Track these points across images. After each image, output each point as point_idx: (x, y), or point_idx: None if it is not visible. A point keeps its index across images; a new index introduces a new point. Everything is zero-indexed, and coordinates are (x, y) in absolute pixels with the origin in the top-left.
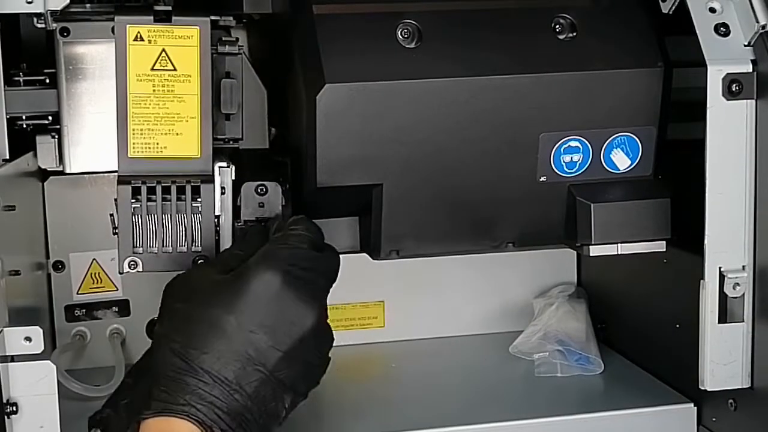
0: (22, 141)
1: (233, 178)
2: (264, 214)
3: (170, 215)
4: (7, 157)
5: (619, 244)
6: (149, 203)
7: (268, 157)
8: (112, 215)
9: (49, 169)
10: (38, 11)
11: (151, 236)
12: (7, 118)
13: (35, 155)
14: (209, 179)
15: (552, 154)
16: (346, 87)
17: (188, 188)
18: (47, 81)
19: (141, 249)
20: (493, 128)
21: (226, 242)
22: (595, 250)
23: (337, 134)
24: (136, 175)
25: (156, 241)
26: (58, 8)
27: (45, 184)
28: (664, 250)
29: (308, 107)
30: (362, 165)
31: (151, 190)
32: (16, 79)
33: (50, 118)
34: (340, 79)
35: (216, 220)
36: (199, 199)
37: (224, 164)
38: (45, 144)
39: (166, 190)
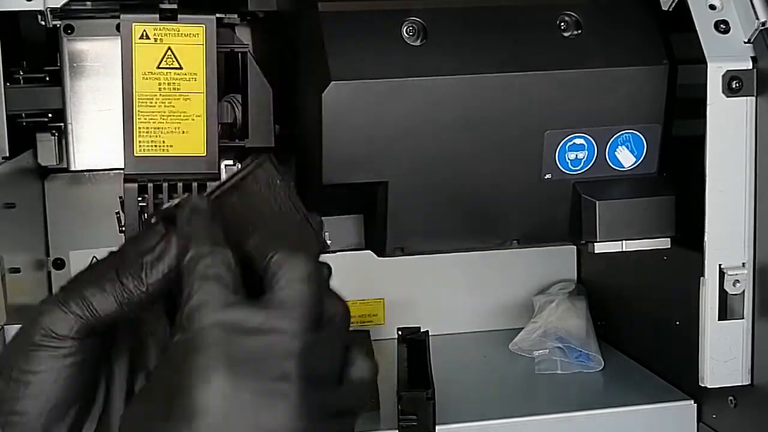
0: (22, 138)
1: None
2: None
3: None
4: (7, 154)
5: (623, 241)
6: (156, 201)
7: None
8: (117, 213)
9: (50, 167)
10: (38, 9)
11: None
12: (7, 116)
13: (35, 153)
14: (215, 177)
15: (557, 152)
16: (352, 84)
17: (194, 186)
18: (47, 79)
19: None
20: (498, 126)
21: None
22: (599, 247)
23: (342, 132)
24: (143, 174)
25: None
26: (58, 5)
27: (45, 181)
28: (669, 246)
29: (314, 105)
30: (367, 163)
31: (158, 189)
32: (16, 76)
33: (50, 115)
34: (346, 76)
35: None
36: None
37: (230, 162)
38: (45, 141)
39: (173, 189)
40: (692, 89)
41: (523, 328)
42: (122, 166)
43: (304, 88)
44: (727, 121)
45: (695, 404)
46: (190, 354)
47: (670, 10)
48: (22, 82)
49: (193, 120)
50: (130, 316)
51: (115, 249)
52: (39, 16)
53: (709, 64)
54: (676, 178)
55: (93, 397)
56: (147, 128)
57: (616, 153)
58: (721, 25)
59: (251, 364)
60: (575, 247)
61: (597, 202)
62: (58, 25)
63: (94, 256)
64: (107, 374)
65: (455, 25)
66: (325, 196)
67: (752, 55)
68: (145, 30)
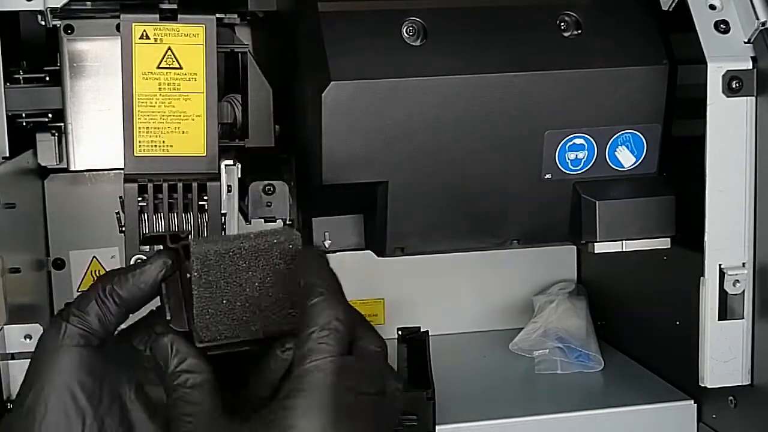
0: (22, 138)
1: (239, 176)
2: (271, 214)
3: (177, 214)
4: (7, 154)
5: (623, 241)
6: (156, 201)
7: (273, 155)
8: (117, 213)
9: (50, 167)
10: (38, 9)
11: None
12: (7, 116)
13: (35, 153)
14: (215, 177)
15: (557, 152)
16: (352, 84)
17: (194, 186)
18: (47, 79)
19: (147, 247)
20: (498, 126)
21: None
22: (599, 247)
23: (342, 132)
24: (143, 174)
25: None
26: (58, 5)
27: (45, 181)
28: (669, 246)
29: (314, 105)
30: (367, 162)
31: (158, 189)
32: (16, 76)
33: (50, 115)
34: (346, 76)
35: (222, 218)
36: (205, 198)
37: (230, 162)
38: (45, 141)
39: (173, 189)
40: (692, 89)
41: (523, 328)
42: (122, 166)
43: (304, 88)
44: (727, 121)
45: (695, 404)
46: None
47: (670, 10)
48: (22, 82)
49: (193, 120)
50: (115, 324)
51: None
52: (39, 16)
53: (709, 64)
54: (676, 178)
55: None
56: (147, 128)
57: (616, 153)
58: (721, 25)
59: None
60: (575, 247)
61: (597, 202)
62: (58, 25)
63: (94, 256)
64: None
65: (455, 25)
66: (325, 196)
67: (752, 55)
68: (145, 30)
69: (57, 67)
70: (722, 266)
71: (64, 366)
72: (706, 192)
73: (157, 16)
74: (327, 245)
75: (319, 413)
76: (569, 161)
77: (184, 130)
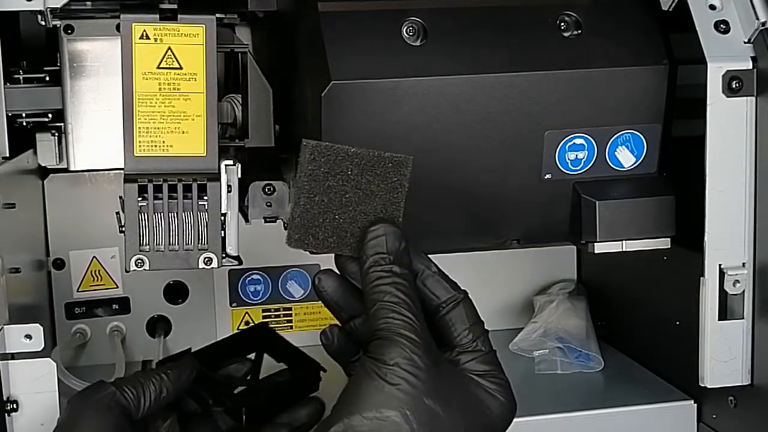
0: (22, 139)
1: (239, 176)
2: (271, 214)
3: (177, 213)
4: (7, 154)
5: (623, 242)
6: (156, 201)
7: (273, 155)
8: (118, 213)
9: (50, 167)
10: (38, 9)
11: (157, 234)
12: (7, 116)
13: (35, 153)
14: (215, 177)
15: (557, 152)
16: (352, 85)
17: (194, 186)
18: (47, 79)
19: (148, 247)
20: (498, 126)
21: (233, 240)
22: (599, 248)
23: (342, 132)
24: (143, 174)
25: (163, 239)
26: (58, 5)
27: (45, 181)
28: (669, 246)
29: (313, 105)
30: None
31: (158, 189)
32: (16, 76)
33: (50, 115)
34: (346, 76)
35: (222, 218)
36: (205, 197)
37: (230, 162)
38: (45, 141)
39: (173, 189)
40: (692, 89)
41: (523, 328)
42: (122, 166)
43: (304, 88)
44: (727, 121)
45: (695, 404)
46: None
47: (670, 10)
48: (22, 82)
49: (193, 120)
50: (151, 408)
51: None
52: (39, 16)
53: (709, 64)
54: (676, 178)
55: None
56: (147, 128)
57: (616, 153)
58: (721, 25)
59: None
60: (575, 247)
61: (597, 202)
62: (58, 25)
63: (94, 256)
64: None
65: (455, 25)
66: None
67: (752, 55)
68: (145, 30)
69: (57, 67)
70: (722, 266)
71: (100, 421)
72: (706, 192)
73: (157, 16)
74: None
75: None
76: (569, 161)
77: (184, 130)
